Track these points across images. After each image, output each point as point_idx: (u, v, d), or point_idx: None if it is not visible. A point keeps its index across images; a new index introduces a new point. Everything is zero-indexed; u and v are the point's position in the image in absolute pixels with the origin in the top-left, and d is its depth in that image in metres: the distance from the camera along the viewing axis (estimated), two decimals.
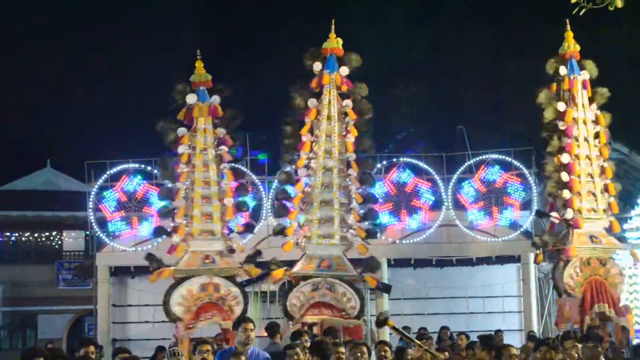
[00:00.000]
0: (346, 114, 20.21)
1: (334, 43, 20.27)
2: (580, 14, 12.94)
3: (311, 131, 20.16)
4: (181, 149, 20.30)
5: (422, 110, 36.21)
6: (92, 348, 12.09)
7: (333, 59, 20.21)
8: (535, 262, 22.27)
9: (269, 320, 18.43)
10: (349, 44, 20.61)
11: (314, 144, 20.13)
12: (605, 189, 20.58)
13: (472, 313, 26.32)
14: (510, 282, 26.53)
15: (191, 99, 20.35)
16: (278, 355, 12.85)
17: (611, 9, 12.96)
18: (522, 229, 25.50)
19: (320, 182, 19.99)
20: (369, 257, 20.16)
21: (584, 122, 20.42)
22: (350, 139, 20.13)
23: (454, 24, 36.79)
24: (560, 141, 20.50)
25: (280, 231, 20.24)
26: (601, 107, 20.80)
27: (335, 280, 19.63)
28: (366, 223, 20.12)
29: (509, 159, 25.61)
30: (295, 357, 11.70)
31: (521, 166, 25.47)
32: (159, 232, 21.37)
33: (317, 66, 20.21)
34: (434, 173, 25.73)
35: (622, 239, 22.64)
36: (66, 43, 39.07)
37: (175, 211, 20.43)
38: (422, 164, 25.84)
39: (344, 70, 20.22)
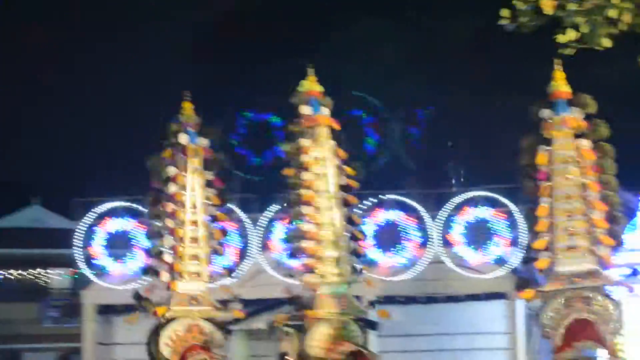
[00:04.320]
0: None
1: (313, 85, 20.27)
2: (567, 53, 13.10)
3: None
4: (172, 188, 20.23)
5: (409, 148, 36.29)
6: None
7: (314, 100, 20.18)
8: (528, 300, 22.06)
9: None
10: (335, 82, 20.65)
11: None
12: (595, 223, 20.44)
13: (458, 350, 26.22)
14: (498, 319, 26.49)
15: (183, 139, 20.28)
16: None
17: (599, 49, 13.11)
18: (509, 266, 25.53)
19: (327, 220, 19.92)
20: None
21: (564, 161, 20.39)
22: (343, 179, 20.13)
23: (439, 58, 37.00)
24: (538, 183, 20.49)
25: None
26: (599, 140, 20.64)
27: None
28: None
29: (497, 197, 25.66)
30: None
31: (509, 203, 25.53)
32: (147, 271, 21.27)
33: (306, 109, 20.17)
34: (422, 210, 25.77)
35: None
36: (51, 76, 39.07)
37: (164, 251, 20.34)
38: (410, 201, 25.88)
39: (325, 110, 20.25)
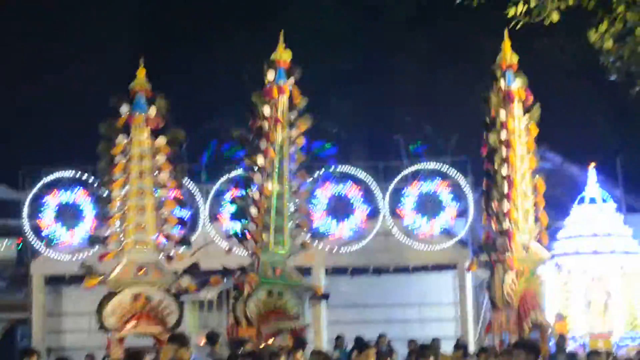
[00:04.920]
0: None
1: (283, 54, 20.24)
2: (517, 27, 13.19)
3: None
4: (117, 158, 20.07)
5: (358, 120, 36.31)
6: (35, 357, 11.97)
7: (282, 70, 20.16)
8: (468, 269, 22.37)
9: (207, 329, 18.37)
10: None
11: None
12: (534, 201, 20.69)
13: (408, 320, 26.38)
14: (447, 290, 26.71)
15: (124, 109, 20.10)
16: None
17: (547, 23, 13.21)
18: (457, 237, 25.74)
19: (275, 190, 19.93)
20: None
21: (519, 135, 20.60)
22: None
23: (390, 33, 36.93)
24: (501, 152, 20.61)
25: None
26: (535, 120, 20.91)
27: (285, 287, 19.65)
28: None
29: (445, 169, 25.84)
30: None
31: (458, 176, 25.72)
32: (93, 240, 21.17)
33: (270, 75, 20.12)
34: (371, 181, 25.89)
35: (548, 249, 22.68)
36: None
37: (111, 219, 20.21)
38: (359, 173, 25.97)
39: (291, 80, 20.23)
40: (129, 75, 20.58)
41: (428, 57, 35.53)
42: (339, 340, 22.73)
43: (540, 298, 20.43)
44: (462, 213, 25.92)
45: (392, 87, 35.45)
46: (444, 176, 25.90)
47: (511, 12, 12.95)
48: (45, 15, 37.44)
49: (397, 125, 32.22)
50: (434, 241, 25.68)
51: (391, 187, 25.93)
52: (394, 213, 25.95)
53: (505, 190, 20.11)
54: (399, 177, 26.02)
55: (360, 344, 13.02)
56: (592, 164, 26.15)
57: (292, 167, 20.00)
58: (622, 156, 30.83)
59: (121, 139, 19.99)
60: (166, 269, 19.92)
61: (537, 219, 20.37)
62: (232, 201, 21.00)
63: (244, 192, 20.18)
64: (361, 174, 26.05)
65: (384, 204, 25.88)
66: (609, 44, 13.57)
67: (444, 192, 25.87)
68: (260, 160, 19.83)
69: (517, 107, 20.37)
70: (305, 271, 22.89)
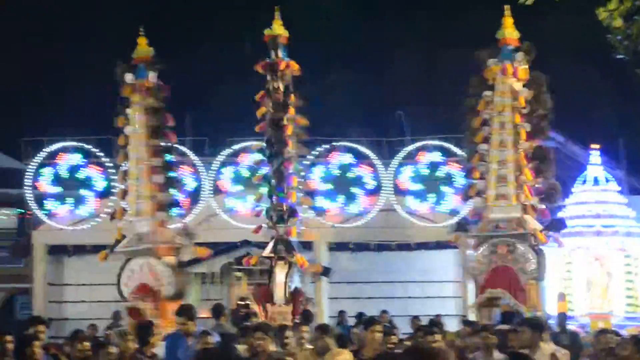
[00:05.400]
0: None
1: (279, 30, 20.21)
2: (527, 2, 13.13)
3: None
4: (124, 130, 20.17)
5: (360, 96, 36.21)
6: (41, 327, 11.97)
7: (281, 45, 20.15)
8: (451, 241, 22.40)
9: (213, 302, 18.40)
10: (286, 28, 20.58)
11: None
12: (522, 175, 20.69)
13: (410, 297, 26.38)
14: (448, 268, 26.69)
15: (128, 78, 20.12)
16: (227, 336, 12.84)
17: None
18: (460, 215, 25.70)
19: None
20: None
21: (503, 108, 20.60)
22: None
23: (391, 10, 36.86)
24: (481, 129, 20.70)
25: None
26: (540, 93, 20.88)
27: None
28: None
29: (449, 146, 25.80)
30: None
31: (461, 152, 25.67)
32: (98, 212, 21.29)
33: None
34: (374, 157, 25.85)
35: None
36: None
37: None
38: (362, 149, 25.92)
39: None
40: (131, 44, 20.59)
41: (430, 34, 35.42)
42: (341, 316, 22.76)
43: (523, 275, 20.30)
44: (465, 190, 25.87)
45: (393, 63, 35.38)
46: (448, 153, 25.85)
47: None
48: None
49: (399, 101, 32.01)
50: (437, 219, 25.64)
51: (394, 163, 25.86)
52: (396, 189, 25.92)
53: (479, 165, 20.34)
54: (403, 152, 25.95)
55: (367, 320, 12.96)
56: (596, 146, 26.08)
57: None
58: (624, 138, 30.81)
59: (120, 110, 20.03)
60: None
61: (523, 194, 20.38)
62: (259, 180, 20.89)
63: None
64: (363, 149, 25.98)
65: (386, 179, 25.82)
66: (618, 21, 13.50)
67: (448, 169, 25.84)
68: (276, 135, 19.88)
69: (508, 83, 20.43)
70: (307, 246, 22.91)
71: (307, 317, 16.43)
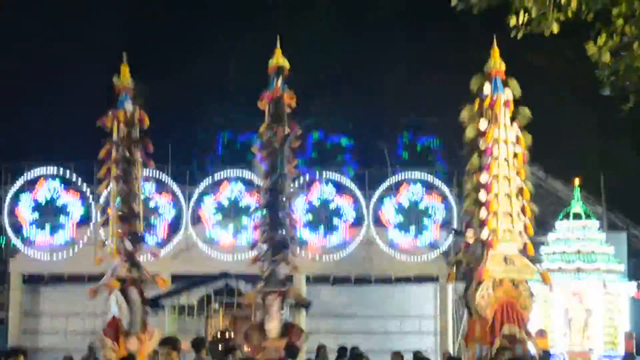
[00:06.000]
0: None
1: (281, 60, 20.05)
2: (518, 37, 13.06)
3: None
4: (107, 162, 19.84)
5: (343, 126, 36.12)
6: (21, 357, 11.73)
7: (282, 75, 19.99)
8: (447, 280, 22.13)
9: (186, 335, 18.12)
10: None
11: None
12: (522, 210, 20.54)
13: (388, 332, 26.18)
14: (428, 302, 26.53)
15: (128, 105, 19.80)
16: None
17: (547, 34, 13.09)
18: (441, 250, 25.60)
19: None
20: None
21: (505, 142, 20.39)
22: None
23: (376, 35, 36.86)
24: (480, 160, 20.47)
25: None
26: (522, 128, 20.79)
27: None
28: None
29: (431, 178, 25.72)
30: None
31: (443, 186, 25.61)
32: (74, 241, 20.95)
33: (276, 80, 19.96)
34: (355, 189, 25.74)
35: (535, 261, 22.64)
36: None
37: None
38: (344, 180, 25.80)
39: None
40: (113, 70, 20.34)
41: (416, 65, 35.41)
42: (321, 350, 22.47)
43: (526, 312, 20.16)
44: (446, 224, 25.79)
45: (378, 95, 35.33)
46: (429, 186, 25.76)
47: (512, 21, 12.80)
48: (30, 13, 37.19)
49: (383, 133, 31.96)
50: (416, 253, 25.51)
51: (376, 195, 25.75)
52: (377, 222, 25.79)
53: (484, 198, 19.98)
54: (384, 185, 25.83)
55: (354, 354, 12.71)
56: (577, 180, 26.03)
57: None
58: (605, 173, 30.80)
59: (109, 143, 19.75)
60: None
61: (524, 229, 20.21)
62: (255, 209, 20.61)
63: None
64: (346, 181, 25.86)
65: (367, 212, 25.68)
66: (606, 57, 13.42)
67: (430, 204, 25.72)
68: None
69: (504, 116, 20.24)
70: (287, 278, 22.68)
71: (292, 352, 16.17)
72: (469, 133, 20.33)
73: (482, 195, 20.02)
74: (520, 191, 20.21)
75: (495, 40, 20.00)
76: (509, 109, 20.29)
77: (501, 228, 20.08)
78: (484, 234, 20.00)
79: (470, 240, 20.43)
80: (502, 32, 13.33)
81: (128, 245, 19.60)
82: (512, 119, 20.41)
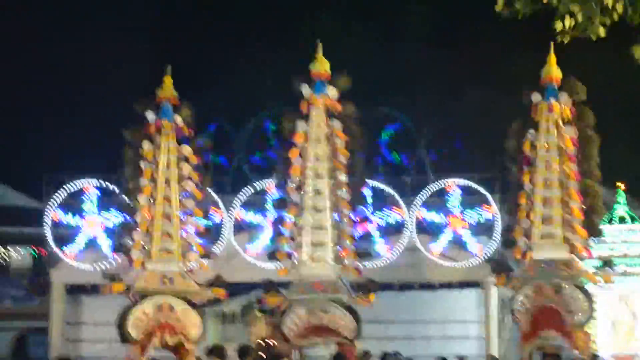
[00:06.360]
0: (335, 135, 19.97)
1: (322, 66, 20.01)
2: (565, 41, 12.92)
3: (301, 155, 19.88)
4: (144, 165, 19.81)
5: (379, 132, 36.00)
6: None
7: (321, 81, 19.94)
8: (496, 284, 21.88)
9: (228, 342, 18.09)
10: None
11: (304, 167, 19.82)
12: (571, 213, 20.31)
13: (431, 338, 26.06)
14: (471, 308, 26.41)
15: (150, 116, 19.85)
16: None
17: (594, 38, 12.94)
18: (484, 255, 25.44)
19: (311, 204, 19.65)
20: (365, 279, 19.84)
21: (548, 148, 20.24)
22: (342, 160, 19.86)
23: (417, 45, 36.76)
24: (522, 168, 20.31)
25: (273, 256, 19.92)
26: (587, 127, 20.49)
27: (330, 302, 19.33)
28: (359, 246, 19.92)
29: (473, 185, 25.58)
30: None
31: (485, 192, 25.44)
32: (118, 249, 20.90)
33: (305, 89, 19.90)
34: (398, 197, 25.66)
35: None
36: (18, 50, 38.39)
37: (136, 228, 19.90)
38: (387, 188, 25.71)
39: (333, 92, 19.96)
40: (153, 83, 20.37)
41: (454, 72, 35.25)
42: (366, 356, 22.37)
43: (571, 316, 19.95)
44: (489, 230, 25.63)
45: (415, 99, 35.19)
46: (471, 192, 25.62)
47: (559, 26, 12.65)
48: (72, 21, 37.38)
49: (425, 139, 31.65)
50: (460, 258, 25.36)
51: (419, 202, 25.64)
52: (420, 228, 25.68)
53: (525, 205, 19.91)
54: (427, 192, 25.73)
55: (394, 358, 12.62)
56: (621, 184, 25.83)
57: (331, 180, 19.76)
58: None
59: (148, 146, 19.76)
60: (190, 280, 19.59)
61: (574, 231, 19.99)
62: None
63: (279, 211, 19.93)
64: (388, 188, 25.74)
65: (410, 219, 25.57)
66: None
67: (473, 209, 25.64)
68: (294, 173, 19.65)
69: (552, 123, 20.07)
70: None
71: (339, 358, 16.18)
72: (513, 144, 20.14)
73: (524, 203, 19.94)
74: (567, 194, 20.05)
75: (552, 46, 19.78)
76: (561, 114, 20.08)
77: (541, 233, 19.97)
78: (521, 241, 19.91)
79: (518, 256, 20.31)
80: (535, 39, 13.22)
81: (194, 255, 19.67)
82: (573, 121, 20.16)
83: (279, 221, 19.99)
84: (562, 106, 19.98)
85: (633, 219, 25.55)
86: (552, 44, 19.59)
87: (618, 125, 32.25)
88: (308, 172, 19.71)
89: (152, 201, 19.74)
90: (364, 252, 20.02)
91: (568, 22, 12.59)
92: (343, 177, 19.75)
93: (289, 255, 19.64)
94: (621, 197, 25.62)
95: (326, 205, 19.63)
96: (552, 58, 20.20)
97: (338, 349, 18.67)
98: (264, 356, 17.33)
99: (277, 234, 20.00)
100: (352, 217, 19.73)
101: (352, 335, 19.14)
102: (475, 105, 33.15)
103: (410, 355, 22.95)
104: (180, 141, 19.90)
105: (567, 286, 19.91)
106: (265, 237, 24.70)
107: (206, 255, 20.13)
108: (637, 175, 29.21)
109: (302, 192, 19.68)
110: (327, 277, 19.47)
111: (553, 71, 20.20)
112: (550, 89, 20.10)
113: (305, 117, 19.85)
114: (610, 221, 25.40)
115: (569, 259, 20.05)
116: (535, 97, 20.17)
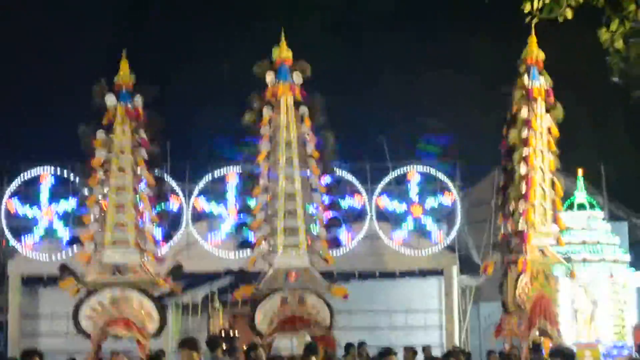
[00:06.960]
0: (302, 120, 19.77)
1: (285, 52, 19.80)
2: (532, 23, 12.80)
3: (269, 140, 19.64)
4: (97, 153, 19.38)
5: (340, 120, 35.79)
6: (37, 359, 11.43)
7: (285, 68, 19.71)
8: (484, 271, 21.62)
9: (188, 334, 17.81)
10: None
11: (271, 152, 19.58)
12: (552, 203, 20.25)
13: (394, 327, 25.91)
14: (432, 297, 26.29)
15: (110, 100, 19.47)
16: None
17: (561, 20, 12.82)
18: (445, 243, 25.34)
19: (283, 191, 19.37)
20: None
21: (541, 133, 20.13)
22: (310, 146, 19.65)
23: (377, 26, 36.65)
24: (521, 150, 20.10)
25: (245, 244, 19.62)
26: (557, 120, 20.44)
27: (307, 292, 19.07)
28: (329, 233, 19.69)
29: (433, 172, 25.45)
30: None
31: (446, 179, 25.35)
32: (73, 241, 20.52)
33: (269, 76, 19.68)
34: (357, 184, 25.43)
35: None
36: None
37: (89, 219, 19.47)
38: (346, 175, 25.47)
39: (298, 79, 19.73)
40: (111, 70, 20.03)
41: (417, 57, 35.16)
42: (361, 347, 22.12)
43: (554, 305, 19.94)
44: (450, 218, 25.52)
45: (378, 87, 35.06)
46: (431, 179, 25.49)
47: (527, 7, 12.53)
48: (26, 6, 36.87)
49: (383, 125, 31.60)
50: (421, 246, 25.22)
51: (378, 189, 25.44)
52: (380, 216, 25.48)
53: (523, 189, 19.65)
54: (386, 179, 25.54)
55: (383, 350, 12.33)
56: (580, 170, 25.78)
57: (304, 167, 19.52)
58: (605, 163, 30.55)
59: (101, 134, 19.36)
60: (145, 270, 19.18)
61: (554, 221, 19.92)
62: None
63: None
64: (347, 175, 25.51)
65: (370, 206, 25.37)
66: (619, 43, 13.15)
67: (433, 196, 25.51)
68: (265, 159, 19.42)
69: (539, 106, 19.92)
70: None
71: (312, 348, 15.90)
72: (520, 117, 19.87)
73: (523, 187, 19.72)
74: (553, 183, 19.98)
75: (533, 27, 19.53)
76: (547, 99, 19.96)
77: (537, 220, 19.85)
78: (522, 226, 19.71)
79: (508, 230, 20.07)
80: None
81: (150, 246, 19.28)
82: (548, 110, 20.10)
83: (244, 209, 19.72)
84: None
85: (592, 206, 25.53)
86: (533, 26, 19.40)
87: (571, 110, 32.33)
88: (279, 158, 19.44)
89: (105, 190, 19.36)
90: (334, 240, 19.78)
91: (537, 3, 12.48)
92: (313, 163, 19.53)
93: (259, 244, 19.34)
94: (579, 184, 25.58)
95: (298, 191, 19.41)
96: (533, 40, 20.02)
97: (313, 340, 18.35)
98: (225, 347, 17.03)
99: (242, 223, 19.72)
100: (323, 203, 19.53)
101: (328, 324, 18.90)
102: (428, 91, 33.04)
103: (374, 344, 22.76)
104: (136, 127, 19.56)
105: (552, 275, 19.85)
106: (225, 226, 24.39)
107: (165, 241, 19.85)
108: (591, 161, 29.24)
109: (270, 179, 19.42)
110: (301, 266, 19.23)
111: (534, 54, 20.04)
112: (534, 71, 19.93)
113: (269, 104, 19.65)
114: (569, 208, 25.39)
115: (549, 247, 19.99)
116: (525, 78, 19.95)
